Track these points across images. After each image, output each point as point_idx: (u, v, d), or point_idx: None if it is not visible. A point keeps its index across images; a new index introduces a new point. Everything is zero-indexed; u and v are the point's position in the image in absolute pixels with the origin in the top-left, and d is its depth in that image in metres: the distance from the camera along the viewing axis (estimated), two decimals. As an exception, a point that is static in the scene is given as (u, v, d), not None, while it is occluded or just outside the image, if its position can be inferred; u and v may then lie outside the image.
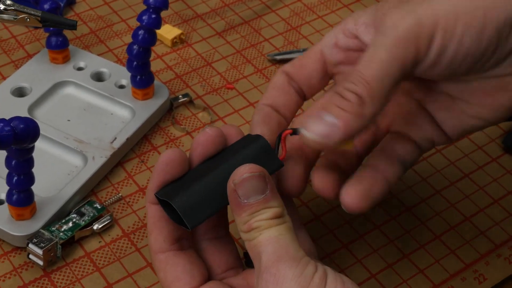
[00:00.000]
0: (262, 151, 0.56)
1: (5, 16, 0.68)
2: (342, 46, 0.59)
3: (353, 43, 0.59)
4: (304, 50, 0.84)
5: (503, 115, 0.57)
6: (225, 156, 0.56)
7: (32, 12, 0.67)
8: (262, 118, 0.59)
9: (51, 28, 0.76)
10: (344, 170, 0.59)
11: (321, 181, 0.58)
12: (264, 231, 0.52)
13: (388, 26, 0.53)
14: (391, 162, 0.58)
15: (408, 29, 0.52)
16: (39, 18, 0.67)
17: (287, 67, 0.61)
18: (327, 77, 0.61)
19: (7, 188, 0.64)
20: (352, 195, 0.56)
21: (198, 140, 0.56)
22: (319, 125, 0.52)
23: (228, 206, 0.54)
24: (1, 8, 0.67)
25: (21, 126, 0.58)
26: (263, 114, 0.59)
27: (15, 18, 0.68)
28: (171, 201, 0.54)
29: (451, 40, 0.53)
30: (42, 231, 0.65)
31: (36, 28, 0.85)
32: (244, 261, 0.59)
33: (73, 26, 0.68)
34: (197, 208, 0.54)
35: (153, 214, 0.56)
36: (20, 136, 0.58)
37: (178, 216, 0.54)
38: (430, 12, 0.52)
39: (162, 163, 0.55)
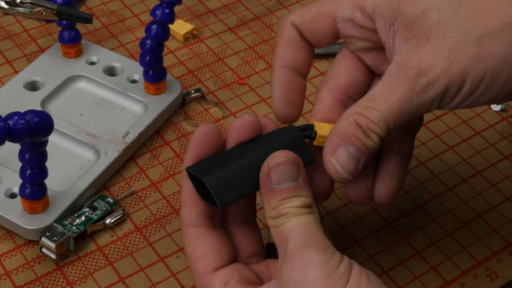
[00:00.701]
0: (295, 142, 0.56)
1: (21, 9, 0.68)
2: (358, 23, 0.58)
3: (369, 25, 0.58)
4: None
5: None
6: (259, 143, 0.57)
7: (48, 6, 0.67)
8: (283, 93, 0.60)
9: (64, 22, 0.76)
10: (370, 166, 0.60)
11: (353, 192, 0.59)
12: (293, 218, 0.52)
13: (420, 87, 0.54)
14: (410, 137, 0.61)
15: (438, 94, 0.54)
16: (55, 11, 0.67)
17: (296, 20, 0.60)
18: (335, 39, 0.61)
19: (20, 181, 0.64)
20: (385, 195, 0.59)
21: (235, 124, 0.57)
22: (347, 159, 0.55)
23: (258, 192, 0.55)
24: (17, 1, 0.67)
25: (36, 119, 0.58)
26: (284, 86, 0.60)
27: (31, 12, 0.68)
28: (203, 178, 0.54)
29: (469, 97, 0.55)
30: (55, 224, 0.65)
31: (48, 22, 0.85)
32: (265, 252, 0.59)
33: (88, 20, 0.68)
34: (228, 188, 0.54)
35: (189, 187, 0.56)
36: (35, 130, 0.58)
37: (208, 194, 0.54)
38: (460, 76, 0.54)
39: (199, 134, 0.56)
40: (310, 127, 0.57)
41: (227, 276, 0.55)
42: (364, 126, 0.54)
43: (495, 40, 0.53)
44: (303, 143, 0.57)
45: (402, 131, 0.60)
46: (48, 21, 0.85)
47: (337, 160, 0.55)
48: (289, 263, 0.50)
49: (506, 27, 0.53)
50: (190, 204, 0.56)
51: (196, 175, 0.54)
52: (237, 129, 0.57)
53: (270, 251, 0.59)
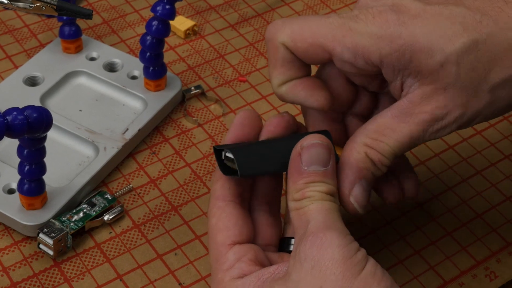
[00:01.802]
0: None
1: (21, 4, 0.68)
2: (359, 67, 0.57)
3: (373, 69, 0.57)
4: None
5: None
6: (291, 136, 0.58)
7: (48, 1, 0.67)
8: (282, 59, 0.59)
9: (64, 18, 0.76)
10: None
11: (391, 197, 0.62)
12: (316, 201, 0.53)
13: (432, 129, 0.57)
14: None
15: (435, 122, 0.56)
16: (54, 7, 0.67)
17: (289, 44, 0.58)
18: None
19: (18, 177, 0.64)
20: (413, 189, 0.62)
21: (272, 120, 0.59)
22: (362, 196, 0.57)
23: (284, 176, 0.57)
24: (17, -4, 0.67)
25: (35, 115, 0.58)
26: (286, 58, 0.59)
27: (31, 7, 0.68)
28: (228, 149, 0.56)
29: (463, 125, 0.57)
30: (53, 221, 0.65)
31: (49, 17, 0.85)
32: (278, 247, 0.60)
33: (88, 16, 0.67)
34: (251, 162, 0.56)
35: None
36: (33, 125, 0.58)
37: (232, 172, 0.56)
38: (460, 108, 0.56)
39: (240, 117, 0.59)
40: None
41: (242, 252, 0.55)
42: (376, 160, 0.57)
43: (509, 87, 0.55)
44: (330, 141, 0.58)
45: None
46: (49, 16, 0.85)
47: (355, 199, 0.57)
48: (308, 241, 0.51)
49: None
50: (223, 179, 0.58)
51: (221, 148, 0.56)
52: (273, 125, 0.59)
53: (283, 245, 0.59)
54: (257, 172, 0.56)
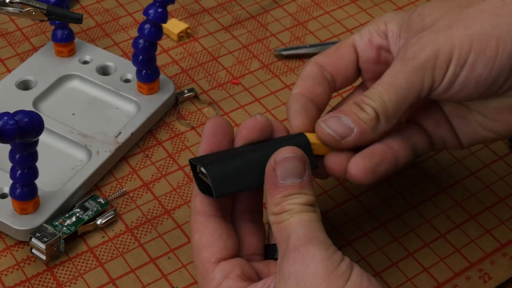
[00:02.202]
0: (302, 148, 0.56)
1: (10, 9, 0.68)
2: (375, 44, 0.62)
3: (385, 43, 0.62)
4: (311, 45, 0.83)
5: None
6: (266, 144, 0.57)
7: (38, 5, 0.67)
8: (302, 108, 0.60)
9: (57, 21, 0.76)
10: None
11: (333, 162, 0.59)
12: (296, 214, 0.53)
13: (408, 56, 0.57)
14: (405, 145, 0.61)
15: (426, 60, 0.56)
16: (44, 11, 0.67)
17: (319, 58, 0.63)
18: (359, 71, 0.64)
19: (10, 182, 0.64)
20: (360, 167, 0.58)
21: (246, 124, 0.58)
22: (338, 124, 0.57)
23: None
24: (7, 1, 0.67)
25: (26, 119, 0.58)
26: (302, 104, 0.61)
27: (21, 11, 0.67)
28: (203, 166, 0.54)
29: (463, 68, 0.56)
30: (45, 225, 0.64)
31: (42, 21, 0.85)
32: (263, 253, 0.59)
33: (78, 20, 0.67)
34: (227, 179, 0.55)
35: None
36: (24, 130, 0.58)
37: (208, 186, 0.55)
38: (447, 41, 0.56)
39: (211, 125, 0.58)
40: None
41: (229, 269, 0.55)
42: (359, 101, 0.57)
43: (479, 12, 0.56)
44: (309, 149, 0.58)
45: (400, 138, 0.61)
46: (41, 20, 0.84)
47: (326, 124, 0.57)
48: (290, 257, 0.51)
49: (488, 3, 0.56)
50: (202, 194, 0.57)
51: (197, 163, 0.55)
52: (247, 128, 0.58)
53: (268, 252, 0.59)
54: (233, 190, 0.55)
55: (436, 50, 0.56)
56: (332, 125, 0.57)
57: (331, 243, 0.52)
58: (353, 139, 0.57)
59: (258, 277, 0.57)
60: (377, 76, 0.62)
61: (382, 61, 0.63)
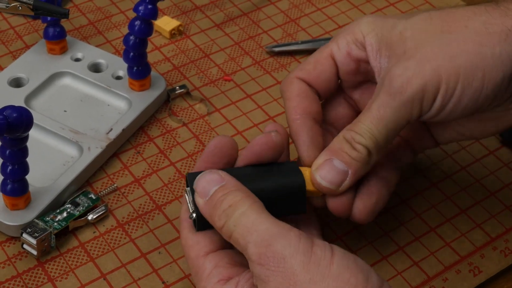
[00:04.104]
0: (297, 191, 0.58)
1: (-4, 5, 0.68)
2: (354, 57, 0.62)
3: (364, 55, 0.62)
4: (302, 42, 0.83)
5: (490, 135, 0.63)
6: (266, 175, 0.58)
7: (24, 0, 0.67)
8: (310, 138, 0.61)
9: (49, 19, 0.76)
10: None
11: (336, 205, 0.60)
12: (236, 221, 0.53)
13: (395, 89, 0.57)
14: (395, 169, 0.63)
15: (414, 94, 0.57)
16: (31, 6, 0.67)
17: (301, 74, 0.63)
18: (336, 83, 0.64)
19: (1, 177, 0.64)
20: (362, 211, 0.60)
21: (259, 140, 0.59)
22: (332, 173, 0.58)
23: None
24: (-7, -4, 0.67)
25: (14, 115, 0.58)
26: (308, 132, 0.61)
27: (7, 6, 0.68)
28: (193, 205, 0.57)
29: (450, 100, 0.57)
30: (36, 221, 0.65)
31: (34, 18, 0.85)
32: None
33: (65, 15, 0.67)
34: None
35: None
36: (13, 125, 0.58)
37: None
38: (434, 74, 0.56)
39: (211, 145, 0.59)
40: None
41: (217, 258, 0.56)
42: (350, 139, 0.57)
43: (463, 41, 0.56)
44: (303, 193, 0.59)
45: (389, 163, 0.62)
46: (34, 18, 0.85)
47: (321, 175, 0.58)
48: (262, 265, 0.51)
49: (471, 31, 0.57)
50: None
51: (191, 178, 0.57)
52: (258, 144, 0.59)
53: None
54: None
55: (424, 84, 0.56)
56: (327, 176, 0.58)
57: (289, 227, 0.52)
58: (349, 182, 0.58)
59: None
60: (357, 84, 0.64)
61: (362, 72, 0.63)
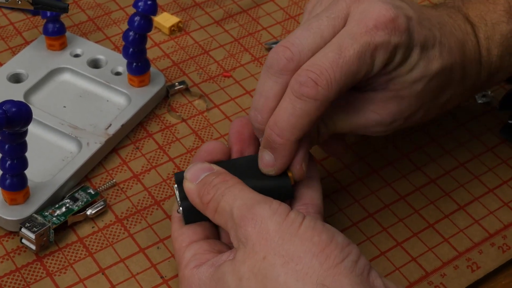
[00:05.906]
0: (283, 186, 0.60)
1: (-4, -1, 0.68)
2: None
3: None
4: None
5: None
6: (255, 172, 0.60)
7: (24, -6, 0.67)
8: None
9: (48, 14, 0.76)
10: None
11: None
12: (225, 191, 0.56)
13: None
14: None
15: None
16: (30, 0, 0.67)
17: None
18: None
19: (0, 172, 0.64)
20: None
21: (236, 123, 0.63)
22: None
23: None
24: (-7, -10, 0.67)
25: (13, 109, 0.58)
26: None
27: (7, 1, 0.68)
28: (181, 201, 0.60)
29: None
30: (35, 215, 0.65)
31: (34, 14, 0.85)
32: None
33: (64, 9, 0.68)
34: (197, 212, 0.59)
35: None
36: (12, 120, 0.58)
37: None
38: None
39: (201, 151, 0.62)
40: None
41: (197, 247, 0.58)
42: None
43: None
44: (288, 179, 0.60)
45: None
46: (34, 13, 0.85)
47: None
48: (241, 226, 0.54)
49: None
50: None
51: (178, 186, 0.60)
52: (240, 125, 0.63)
53: None
54: (203, 219, 0.59)
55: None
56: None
57: (272, 199, 0.55)
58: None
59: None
60: None
61: None
